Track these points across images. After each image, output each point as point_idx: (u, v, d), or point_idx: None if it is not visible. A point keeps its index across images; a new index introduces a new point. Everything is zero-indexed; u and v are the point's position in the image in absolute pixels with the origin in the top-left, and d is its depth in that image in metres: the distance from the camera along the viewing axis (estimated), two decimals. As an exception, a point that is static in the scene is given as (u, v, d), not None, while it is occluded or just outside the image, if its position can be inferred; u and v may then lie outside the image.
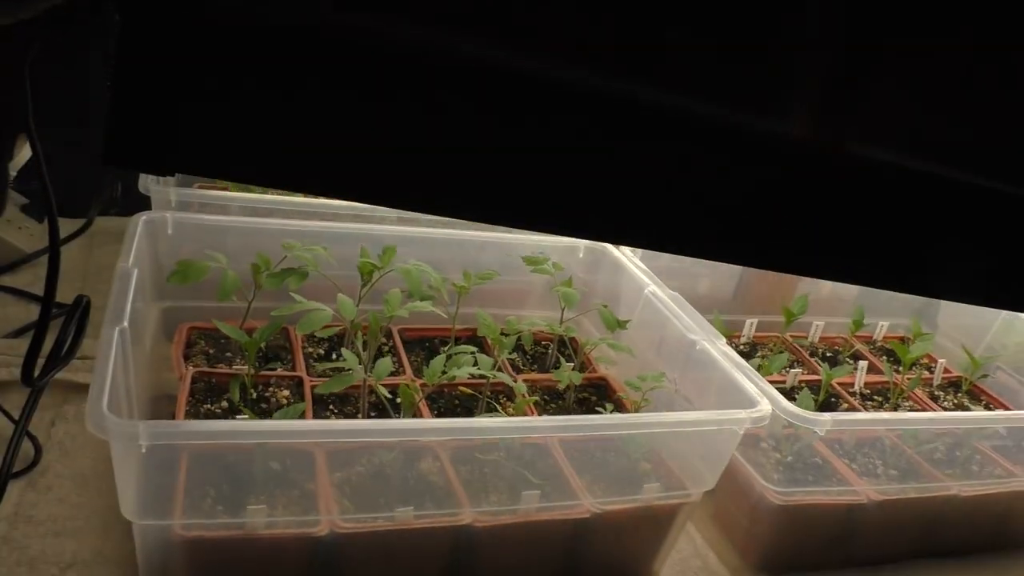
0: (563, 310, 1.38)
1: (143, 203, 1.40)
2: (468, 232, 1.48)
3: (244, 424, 0.91)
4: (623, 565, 1.18)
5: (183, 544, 0.92)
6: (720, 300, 1.72)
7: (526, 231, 1.57)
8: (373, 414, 1.19)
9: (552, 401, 1.32)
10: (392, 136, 0.40)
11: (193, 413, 1.12)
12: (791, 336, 1.68)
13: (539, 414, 1.25)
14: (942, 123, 0.46)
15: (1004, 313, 1.73)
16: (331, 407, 1.19)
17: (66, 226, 1.82)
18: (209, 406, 1.14)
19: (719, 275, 1.72)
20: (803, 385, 1.51)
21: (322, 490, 0.99)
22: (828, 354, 1.71)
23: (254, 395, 1.18)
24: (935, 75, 0.44)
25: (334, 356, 1.34)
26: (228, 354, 1.29)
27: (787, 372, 1.50)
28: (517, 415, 1.18)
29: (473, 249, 1.50)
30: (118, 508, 0.90)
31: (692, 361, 1.26)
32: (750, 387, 1.14)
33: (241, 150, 0.39)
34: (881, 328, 1.80)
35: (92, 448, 1.23)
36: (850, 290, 1.84)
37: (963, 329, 1.82)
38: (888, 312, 1.83)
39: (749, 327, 1.66)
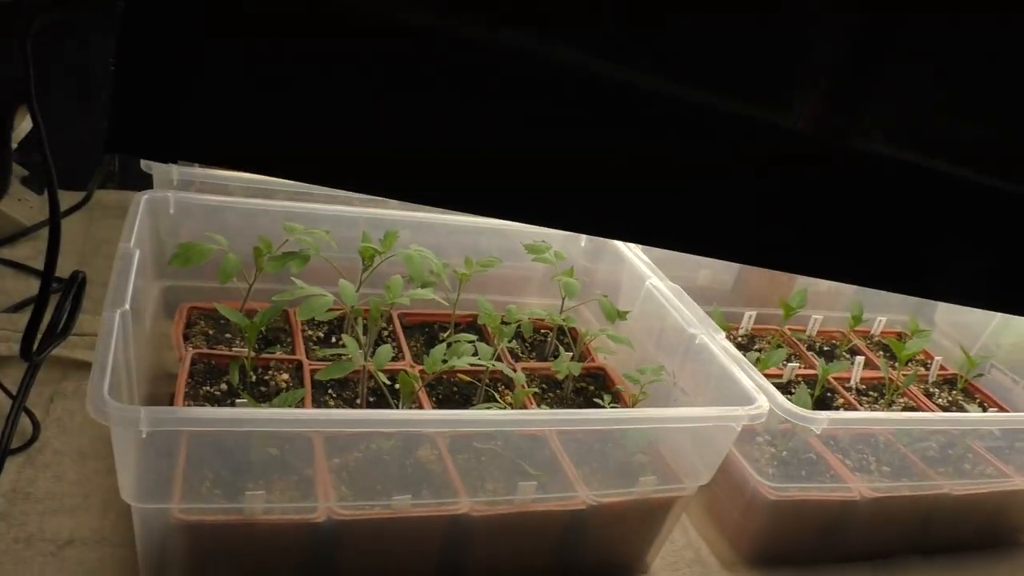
0: (563, 299, 1.38)
1: (142, 176, 1.39)
2: (470, 218, 1.48)
3: (244, 412, 0.91)
4: (617, 556, 1.19)
5: (182, 528, 0.93)
6: (719, 292, 1.73)
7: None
8: (372, 399, 1.20)
9: (550, 390, 1.32)
10: (403, 128, 0.39)
11: (192, 395, 1.12)
12: (789, 329, 1.68)
13: (537, 403, 1.25)
14: (947, 120, 0.45)
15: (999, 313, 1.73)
16: (330, 391, 1.19)
17: (65, 199, 1.81)
18: (208, 388, 1.15)
19: (719, 267, 1.72)
20: (800, 379, 1.51)
21: (320, 476, 1.00)
22: (825, 348, 1.71)
23: (253, 378, 1.18)
24: (941, 70, 0.43)
25: (334, 339, 1.34)
26: (228, 335, 1.29)
27: (784, 366, 1.50)
28: (516, 405, 1.19)
29: (474, 234, 1.50)
30: (116, 487, 0.91)
31: (691, 354, 1.27)
32: (748, 383, 1.14)
33: (249, 139, 0.38)
34: (879, 323, 1.80)
35: (91, 425, 1.24)
36: (848, 285, 1.84)
37: (960, 326, 1.82)
38: (886, 307, 1.83)
39: (747, 319, 1.66)
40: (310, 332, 1.34)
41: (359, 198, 1.50)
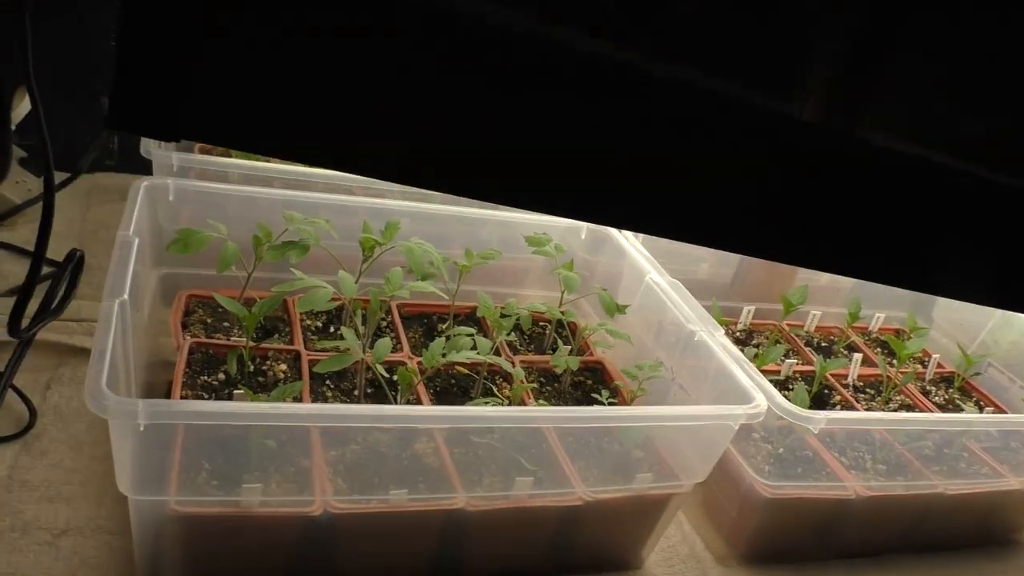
0: (563, 293, 1.38)
1: (141, 160, 1.38)
2: (470, 209, 1.48)
3: (242, 406, 0.91)
4: (612, 551, 1.20)
5: (178, 520, 0.93)
6: (719, 285, 1.72)
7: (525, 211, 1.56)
8: (370, 391, 1.20)
9: (548, 384, 1.32)
10: (417, 113, 0.38)
11: (190, 385, 1.12)
12: (787, 325, 1.68)
13: (535, 397, 1.25)
14: (953, 114, 0.45)
15: (1001, 310, 1.73)
16: (328, 382, 1.19)
17: (63, 181, 1.80)
18: (206, 378, 1.14)
19: (719, 260, 1.72)
20: (797, 376, 1.51)
21: (317, 468, 1.00)
22: (823, 344, 1.71)
23: (251, 368, 1.18)
24: (947, 64, 0.43)
25: (332, 329, 1.34)
26: (226, 324, 1.29)
27: (782, 362, 1.50)
28: (514, 400, 1.19)
29: (475, 225, 1.49)
30: (113, 475, 0.91)
31: (690, 351, 1.27)
32: (746, 382, 1.14)
33: (254, 119, 0.37)
34: (877, 319, 1.80)
35: (87, 412, 1.21)
36: (848, 280, 1.84)
37: (958, 324, 1.82)
38: (885, 304, 1.83)
39: (746, 314, 1.66)
40: (308, 322, 1.34)
41: (359, 188, 1.49)
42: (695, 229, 0.46)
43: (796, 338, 1.66)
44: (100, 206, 1.77)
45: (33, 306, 1.10)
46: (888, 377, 1.54)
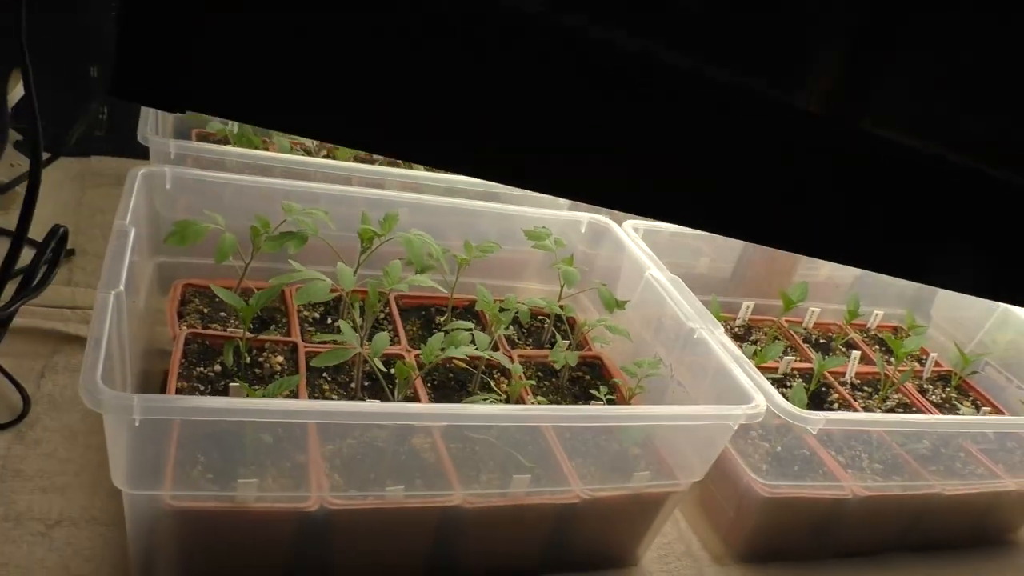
0: (562, 287, 1.37)
1: (138, 144, 1.36)
2: (469, 201, 1.46)
3: (238, 402, 0.90)
4: (608, 548, 1.19)
5: (173, 514, 0.92)
6: (718, 280, 1.72)
7: (524, 203, 1.56)
8: (367, 383, 1.19)
9: (546, 378, 1.31)
10: (428, 86, 0.37)
11: (186, 376, 1.11)
12: (786, 321, 1.68)
13: (533, 392, 1.24)
14: (959, 108, 0.45)
15: (999, 309, 1.73)
16: (325, 375, 1.18)
17: (60, 165, 1.79)
18: (202, 369, 1.14)
19: (719, 255, 1.71)
20: (795, 373, 1.51)
21: (313, 463, 0.99)
22: (821, 340, 1.71)
23: (248, 360, 1.17)
24: (951, 59, 0.43)
25: (330, 320, 1.33)
26: (223, 314, 1.28)
27: (780, 359, 1.50)
28: (512, 396, 1.18)
29: (474, 217, 1.48)
30: (107, 465, 0.90)
31: (689, 348, 1.26)
32: (746, 381, 1.14)
33: (262, 90, 0.36)
34: (875, 316, 1.80)
35: (82, 402, 1.22)
36: (846, 276, 1.84)
37: (956, 322, 1.82)
38: (883, 301, 1.83)
39: (745, 310, 1.65)
40: (306, 313, 1.33)
41: (358, 177, 1.48)
42: (697, 216, 0.45)
43: (795, 335, 1.65)
44: (95, 189, 1.76)
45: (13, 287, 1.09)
46: (886, 375, 1.53)
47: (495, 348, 1.26)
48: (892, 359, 1.61)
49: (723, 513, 1.29)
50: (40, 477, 1.10)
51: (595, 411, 1.09)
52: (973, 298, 0.56)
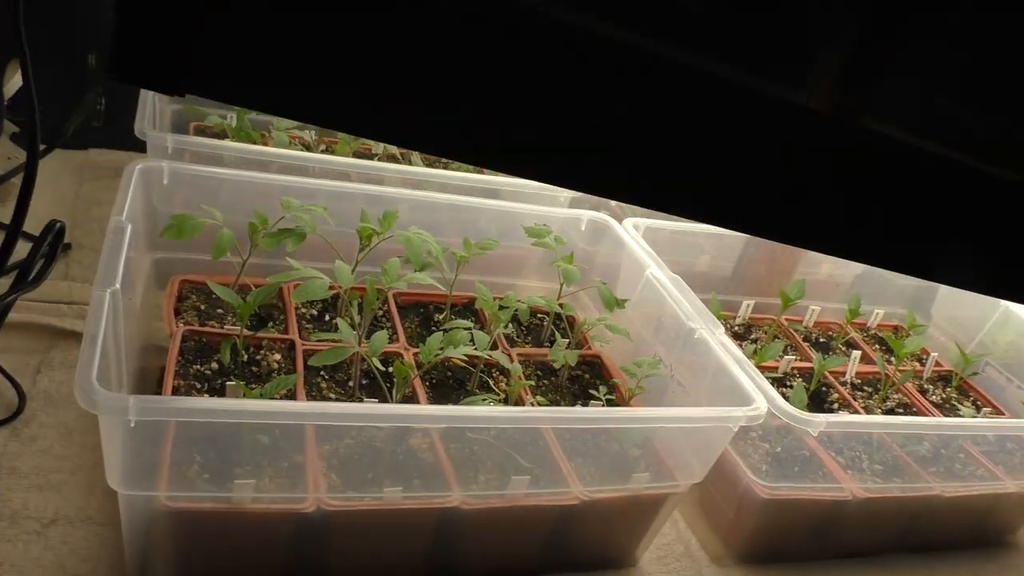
0: (562, 286, 1.36)
1: (133, 135, 1.35)
2: (468, 198, 1.46)
3: (235, 403, 0.89)
4: (606, 549, 1.19)
5: (169, 515, 0.92)
6: (719, 278, 1.71)
7: (524, 200, 1.55)
8: (365, 382, 1.18)
9: (545, 377, 1.31)
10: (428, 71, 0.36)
11: (183, 374, 1.10)
12: (786, 320, 1.67)
13: (532, 391, 1.24)
14: (960, 106, 0.45)
15: (1000, 309, 1.72)
16: (323, 373, 1.17)
17: (57, 157, 1.77)
18: (199, 367, 1.13)
19: (720, 252, 1.71)
20: (795, 372, 1.50)
21: (310, 463, 0.98)
22: (822, 340, 1.70)
23: (245, 357, 1.16)
24: (954, 57, 0.42)
25: (327, 318, 1.32)
26: (220, 310, 1.27)
27: (780, 358, 1.49)
28: (511, 396, 1.17)
29: (474, 213, 1.47)
30: (103, 463, 0.89)
31: (689, 348, 1.25)
32: (746, 382, 1.13)
33: (264, 74, 0.35)
34: (876, 316, 1.79)
35: (78, 398, 1.22)
36: (846, 274, 1.83)
37: (957, 322, 1.81)
38: (883, 300, 1.82)
39: (745, 308, 1.64)
40: (304, 310, 1.32)
41: (356, 173, 1.47)
42: (700, 208, 0.45)
43: (795, 333, 1.65)
44: (93, 182, 1.74)
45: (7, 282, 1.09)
46: (886, 375, 1.53)
47: (494, 346, 1.26)
48: (892, 359, 1.60)
49: (722, 514, 1.29)
50: (36, 475, 1.10)
51: (595, 413, 1.08)
52: (974, 298, 0.56)
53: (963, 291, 0.55)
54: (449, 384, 1.24)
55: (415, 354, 1.23)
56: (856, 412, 1.43)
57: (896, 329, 1.81)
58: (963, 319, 1.80)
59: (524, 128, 0.39)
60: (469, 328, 1.18)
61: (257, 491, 0.94)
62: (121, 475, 0.88)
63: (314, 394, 1.13)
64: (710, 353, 1.21)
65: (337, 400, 1.13)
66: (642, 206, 0.45)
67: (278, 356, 1.18)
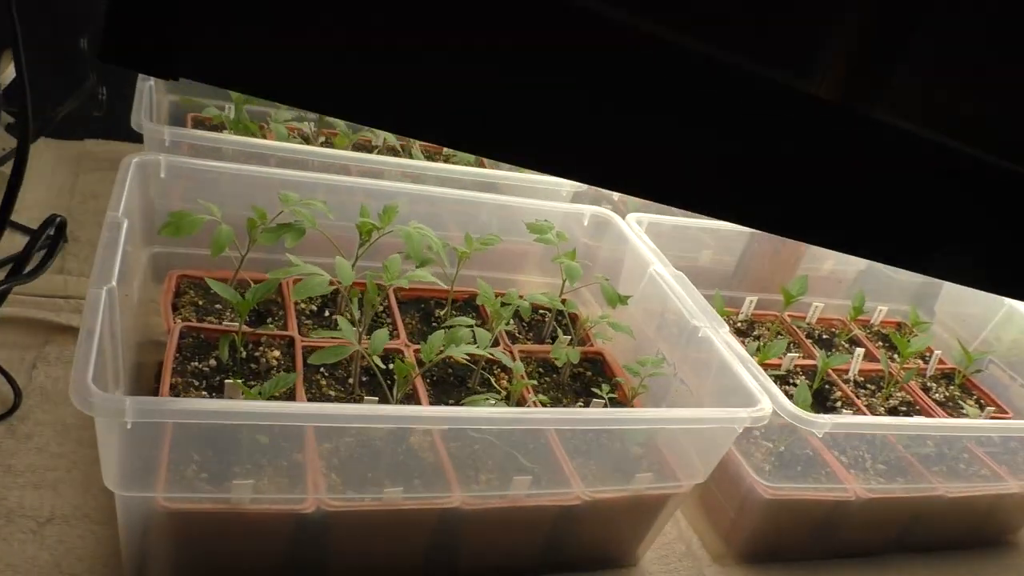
0: (564, 282, 1.35)
1: (130, 126, 1.33)
2: (468, 192, 1.44)
3: (233, 404, 0.88)
4: (607, 549, 1.18)
5: (167, 516, 0.90)
6: (722, 274, 1.69)
7: (525, 194, 1.53)
8: (365, 379, 1.17)
9: (547, 374, 1.29)
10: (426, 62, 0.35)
11: (180, 371, 1.09)
12: (789, 316, 1.66)
13: (534, 389, 1.22)
14: (971, 98, 0.43)
15: (1004, 307, 1.71)
16: (322, 370, 1.16)
17: (54, 148, 1.76)
18: (197, 364, 1.11)
19: (722, 247, 1.69)
20: (798, 370, 1.49)
21: (310, 463, 0.97)
22: (824, 336, 1.69)
23: (244, 354, 1.15)
24: (964, 50, 0.41)
25: (327, 313, 1.31)
26: (218, 306, 1.25)
27: (783, 356, 1.48)
28: (513, 394, 1.16)
29: (474, 207, 1.45)
30: (100, 460, 0.88)
31: (693, 346, 1.24)
32: (751, 382, 1.12)
33: (262, 58, 0.33)
34: (879, 312, 1.78)
35: (74, 394, 1.20)
36: (850, 270, 1.82)
37: (960, 319, 1.80)
38: (887, 296, 1.81)
39: (748, 304, 1.63)
40: (303, 305, 1.31)
41: (356, 167, 1.45)
42: (699, 199, 0.44)
43: (797, 330, 1.64)
44: (90, 174, 1.72)
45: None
46: (890, 373, 1.52)
47: (495, 343, 1.24)
48: (896, 356, 1.59)
49: (724, 513, 1.28)
50: (31, 472, 1.08)
51: (599, 415, 1.07)
52: (978, 295, 0.55)
53: (967, 288, 0.53)
54: (450, 381, 1.22)
55: (416, 351, 1.21)
56: (859, 410, 1.42)
57: (899, 326, 1.80)
58: (967, 316, 1.79)
59: (507, 107, 0.38)
60: (471, 326, 1.16)
61: (256, 491, 0.93)
62: (118, 476, 0.87)
63: (313, 391, 1.11)
64: (714, 352, 1.19)
65: (337, 397, 1.12)
66: (645, 197, 0.44)
67: (277, 353, 1.17)
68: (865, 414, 1.42)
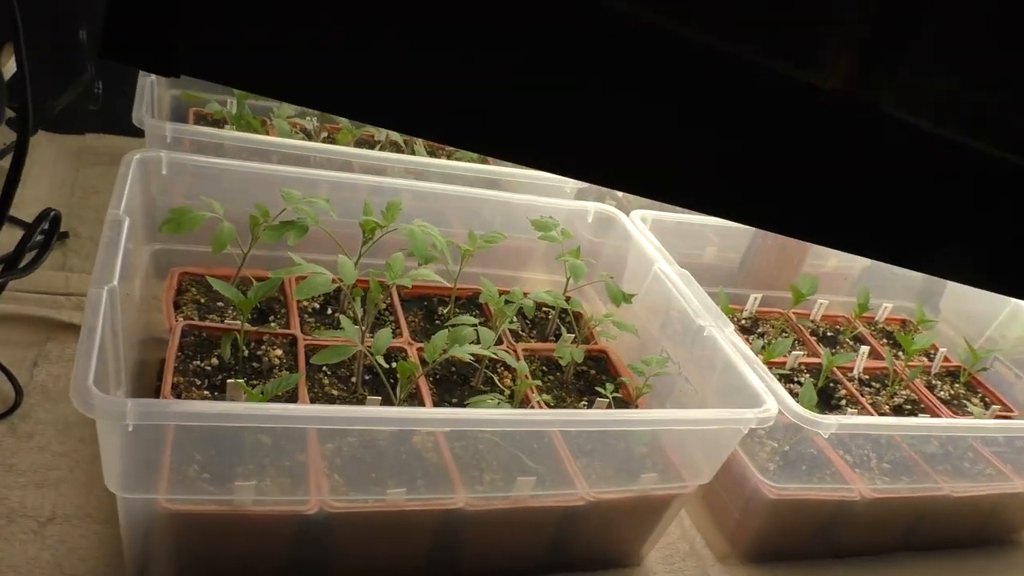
0: (568, 280, 1.34)
1: (131, 121, 1.32)
2: (472, 189, 1.43)
3: (234, 406, 0.87)
4: (611, 549, 1.17)
5: (169, 518, 0.90)
6: (726, 270, 1.68)
7: (528, 191, 1.52)
8: (368, 377, 1.16)
9: (551, 372, 1.29)
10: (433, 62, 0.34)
11: (182, 370, 1.08)
12: (794, 314, 1.65)
13: (538, 388, 1.22)
14: (984, 94, 0.42)
15: (1010, 304, 1.70)
16: (325, 369, 1.15)
17: (54, 142, 1.75)
18: (199, 363, 1.11)
19: (727, 244, 1.68)
20: (803, 368, 1.48)
21: (313, 463, 0.97)
22: (829, 334, 1.68)
23: (246, 353, 1.14)
24: (977, 44, 0.40)
25: (330, 311, 1.30)
26: (220, 304, 1.25)
27: (788, 354, 1.47)
28: (517, 394, 1.15)
29: (477, 203, 1.44)
30: (102, 459, 0.87)
31: (698, 345, 1.23)
32: (756, 383, 1.11)
33: (265, 54, 0.33)
34: (884, 309, 1.77)
35: (76, 393, 1.20)
36: (854, 267, 1.81)
37: (965, 316, 1.79)
38: (892, 293, 1.80)
39: (752, 302, 1.62)
40: (306, 303, 1.30)
41: (359, 163, 1.44)
42: (703, 198, 0.43)
43: (802, 328, 1.63)
44: (90, 168, 1.72)
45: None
46: (895, 371, 1.51)
47: (499, 342, 1.23)
48: (901, 353, 1.58)
49: (728, 513, 1.27)
50: (33, 472, 1.08)
51: (603, 416, 1.06)
52: (983, 292, 0.54)
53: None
54: (453, 379, 1.22)
55: (419, 350, 1.21)
56: (864, 408, 1.42)
57: (904, 323, 1.79)
58: (972, 313, 1.78)
59: (509, 99, 0.37)
60: (474, 325, 1.15)
61: (258, 493, 0.92)
62: (120, 478, 0.86)
63: (316, 390, 1.11)
64: (719, 351, 1.19)
65: (340, 397, 1.11)
66: (655, 198, 0.43)
67: (280, 352, 1.16)
68: (870, 412, 1.41)
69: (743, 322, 1.62)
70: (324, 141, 1.61)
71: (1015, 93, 0.42)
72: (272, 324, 1.22)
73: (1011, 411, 1.56)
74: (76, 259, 1.44)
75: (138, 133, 1.37)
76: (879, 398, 1.49)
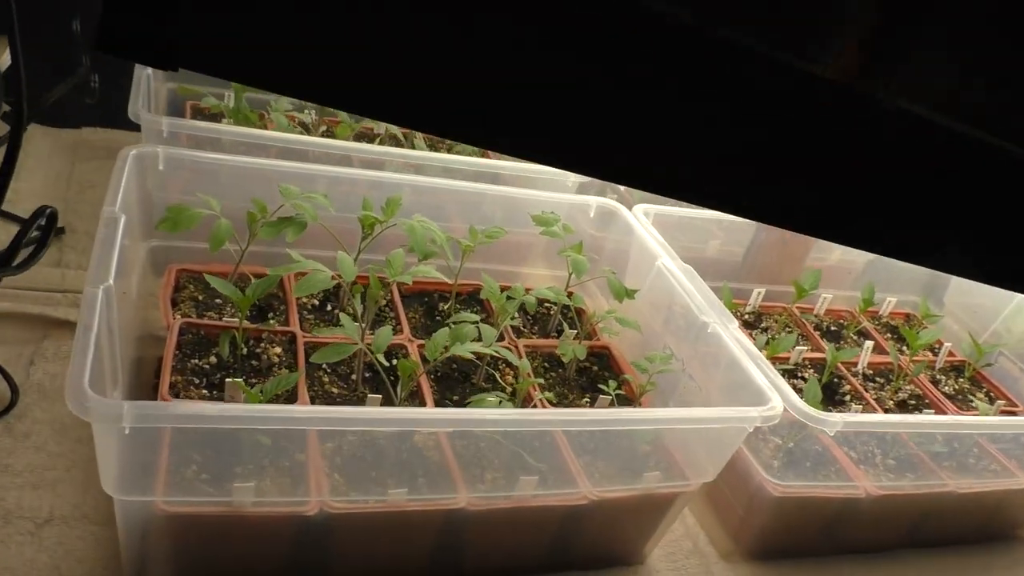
0: (570, 275, 1.33)
1: (127, 114, 1.31)
2: (472, 184, 1.41)
3: (233, 408, 0.85)
4: (615, 547, 1.16)
5: (167, 520, 0.89)
6: (730, 264, 1.67)
7: (529, 185, 1.51)
8: (368, 375, 1.15)
9: (553, 369, 1.27)
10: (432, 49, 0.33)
11: (180, 369, 1.07)
12: (798, 308, 1.64)
13: (540, 386, 1.20)
14: (988, 86, 0.41)
15: (1015, 298, 1.69)
16: (325, 367, 1.14)
17: (49, 135, 1.73)
18: (197, 361, 1.09)
19: (730, 238, 1.67)
20: (807, 363, 1.47)
21: (312, 463, 0.95)
22: (833, 328, 1.67)
23: (244, 351, 1.13)
24: (982, 35, 0.39)
25: (329, 308, 1.29)
26: (218, 301, 1.23)
27: (792, 349, 1.46)
28: (519, 393, 1.14)
29: (477, 198, 1.43)
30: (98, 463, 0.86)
31: (701, 342, 1.22)
32: (761, 380, 1.09)
33: (266, 47, 0.32)
34: (888, 304, 1.75)
35: (72, 391, 1.18)
36: (858, 260, 1.79)
37: (970, 310, 1.78)
38: (896, 287, 1.78)
39: (756, 296, 1.61)
40: (305, 300, 1.28)
41: (358, 158, 1.43)
42: (704, 192, 0.42)
43: (806, 323, 1.61)
44: (86, 163, 1.70)
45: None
46: (899, 366, 1.50)
47: (500, 338, 1.22)
48: (905, 348, 1.57)
49: (732, 510, 1.26)
50: (30, 472, 1.06)
51: (606, 415, 1.05)
52: (988, 287, 0.53)
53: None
54: (455, 377, 1.20)
55: (420, 347, 1.19)
56: (868, 404, 1.40)
57: (908, 317, 1.77)
58: (977, 307, 1.76)
59: (507, 91, 0.36)
60: (475, 322, 1.14)
61: (258, 494, 0.91)
62: (116, 480, 0.85)
63: (316, 388, 1.10)
64: (723, 347, 1.17)
65: (340, 395, 1.10)
66: (655, 192, 0.42)
67: (279, 349, 1.15)
68: (874, 408, 1.40)
69: (746, 317, 1.60)
70: (323, 135, 1.59)
71: (1021, 81, 0.41)
72: (271, 321, 1.21)
73: (1016, 406, 1.55)
74: (72, 255, 1.42)
75: (135, 127, 1.35)
76: (883, 393, 1.48)
